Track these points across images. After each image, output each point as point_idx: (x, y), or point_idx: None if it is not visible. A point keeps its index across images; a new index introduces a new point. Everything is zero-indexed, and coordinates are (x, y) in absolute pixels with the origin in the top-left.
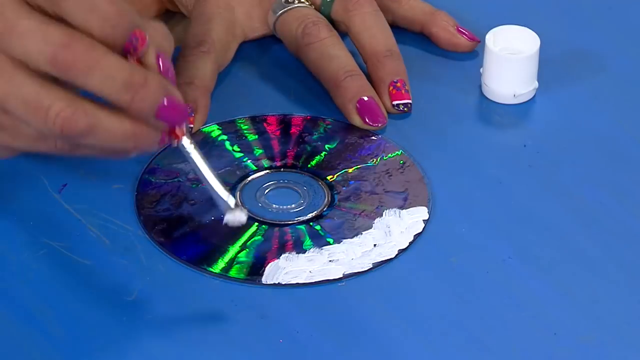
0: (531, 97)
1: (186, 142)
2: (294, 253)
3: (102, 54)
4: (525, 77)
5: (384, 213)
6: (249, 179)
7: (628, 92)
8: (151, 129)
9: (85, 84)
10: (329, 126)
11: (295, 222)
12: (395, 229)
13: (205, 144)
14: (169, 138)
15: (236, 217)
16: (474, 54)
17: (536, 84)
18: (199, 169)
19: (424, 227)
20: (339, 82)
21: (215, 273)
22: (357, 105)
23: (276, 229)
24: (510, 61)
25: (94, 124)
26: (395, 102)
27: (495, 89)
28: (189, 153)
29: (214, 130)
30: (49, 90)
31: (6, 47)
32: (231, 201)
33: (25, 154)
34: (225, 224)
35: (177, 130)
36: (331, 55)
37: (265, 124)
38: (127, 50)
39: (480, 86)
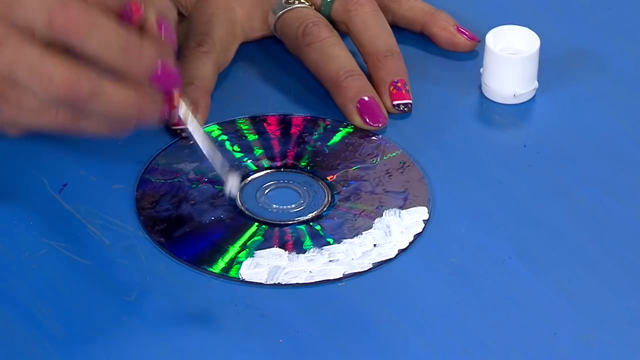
0: (531, 97)
1: (183, 110)
2: (294, 253)
3: (97, 16)
4: (525, 77)
5: (384, 213)
6: (249, 179)
7: (628, 92)
8: (152, 97)
9: (84, 47)
10: (329, 126)
11: (295, 222)
12: (395, 229)
13: None
14: (168, 108)
15: (232, 182)
16: (474, 54)
17: (536, 84)
18: (196, 137)
19: (424, 227)
20: (340, 82)
21: (215, 273)
22: (358, 105)
23: (276, 229)
24: (510, 61)
25: (97, 89)
26: (395, 102)
27: (495, 89)
28: (186, 119)
29: (214, 130)
30: (53, 56)
31: (11, 15)
32: (225, 168)
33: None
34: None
35: (174, 98)
36: (331, 56)
37: (265, 124)
38: (122, 18)
39: (480, 86)
